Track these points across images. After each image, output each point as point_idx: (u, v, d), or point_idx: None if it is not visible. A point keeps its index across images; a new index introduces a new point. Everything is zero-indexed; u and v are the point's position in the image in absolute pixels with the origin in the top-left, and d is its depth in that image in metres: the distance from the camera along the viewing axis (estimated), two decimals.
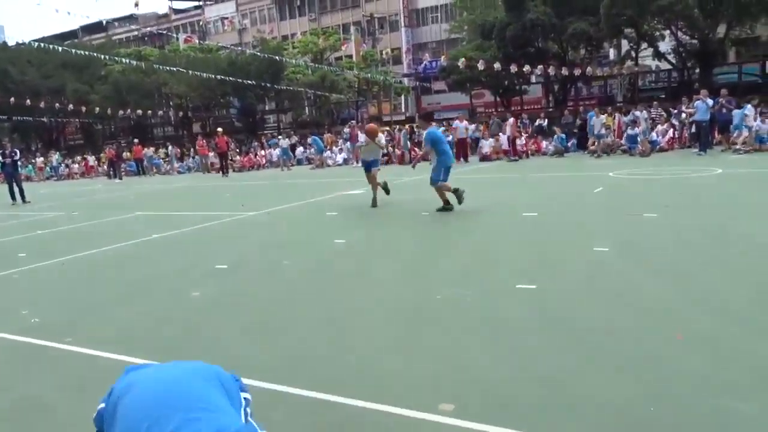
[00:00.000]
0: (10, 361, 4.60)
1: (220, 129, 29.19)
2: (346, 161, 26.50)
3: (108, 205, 15.96)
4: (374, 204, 11.18)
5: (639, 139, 19.18)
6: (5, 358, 4.67)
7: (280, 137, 30.39)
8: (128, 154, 33.67)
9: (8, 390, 3.98)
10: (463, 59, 30.86)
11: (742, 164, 14.39)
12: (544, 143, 22.97)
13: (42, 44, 38.79)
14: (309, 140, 28.13)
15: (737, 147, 17.15)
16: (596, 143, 19.90)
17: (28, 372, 4.34)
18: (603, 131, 20.20)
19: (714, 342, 3.86)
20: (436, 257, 6.87)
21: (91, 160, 37.02)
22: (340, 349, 4.26)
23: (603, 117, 20.80)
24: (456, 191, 9.68)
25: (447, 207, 9.86)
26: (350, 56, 46.71)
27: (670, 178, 12.87)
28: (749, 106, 18.30)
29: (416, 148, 25.33)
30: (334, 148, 28.28)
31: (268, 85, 39.72)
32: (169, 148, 35.33)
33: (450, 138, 20.33)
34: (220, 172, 26.03)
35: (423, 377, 3.67)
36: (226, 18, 61.90)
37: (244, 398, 1.86)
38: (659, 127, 21.11)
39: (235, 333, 4.78)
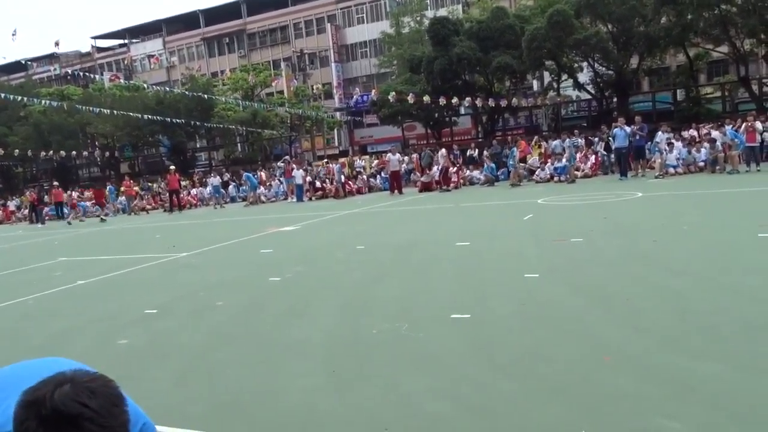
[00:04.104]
0: None
1: (173, 167, 28.70)
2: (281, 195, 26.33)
3: (30, 252, 15.20)
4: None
5: (566, 167, 19.98)
6: None
7: (211, 175, 29.93)
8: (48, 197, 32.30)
9: None
10: (393, 93, 31.43)
11: (660, 188, 15.17)
12: (475, 173, 23.53)
13: None
14: (243, 177, 27.84)
15: (657, 172, 18.07)
16: (512, 174, 20.76)
17: None
18: (512, 162, 21.00)
19: (639, 361, 3.99)
20: (372, 290, 6.86)
21: (12, 204, 35.25)
22: (275, 390, 4.16)
23: (515, 149, 21.52)
24: None
25: None
26: (281, 92, 46.74)
27: (595, 203, 13.40)
28: (659, 132, 19.40)
29: (350, 182, 25.49)
30: (272, 182, 28.06)
31: (198, 123, 39.16)
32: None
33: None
34: (170, 209, 25.83)
35: (360, 413, 3.64)
36: (153, 55, 60.92)
37: None
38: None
39: (166, 381, 4.60)
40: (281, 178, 27.04)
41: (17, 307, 8.01)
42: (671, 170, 18.40)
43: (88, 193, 33.64)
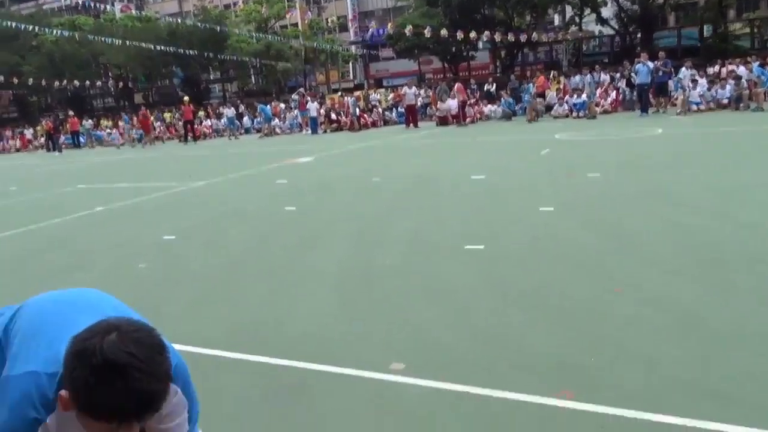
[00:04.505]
0: None
1: (186, 98, 28.43)
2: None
3: (48, 179, 15.37)
4: None
5: (585, 102, 19.61)
6: None
7: (226, 106, 29.75)
8: (64, 126, 32.38)
9: None
10: (410, 26, 30.64)
11: (681, 125, 14.88)
12: (492, 107, 23.17)
13: None
14: (257, 109, 27.65)
15: (678, 109, 17.68)
16: (527, 109, 20.40)
17: None
18: (527, 98, 20.62)
19: (648, 292, 4.03)
20: (386, 222, 6.90)
21: (28, 133, 35.41)
22: (290, 315, 4.26)
23: (530, 85, 21.11)
24: None
25: None
26: (295, 24, 45.69)
27: (613, 140, 13.21)
28: (683, 68, 18.85)
29: (365, 115, 25.24)
30: (287, 114, 27.84)
31: (212, 55, 38.57)
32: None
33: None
34: (185, 139, 25.82)
35: (373, 339, 3.73)
36: None
37: None
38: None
39: (184, 304, 4.73)
40: (296, 110, 26.80)
41: (40, 232, 8.18)
42: (694, 107, 17.97)
43: (105, 122, 33.68)
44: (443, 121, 21.85)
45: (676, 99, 18.44)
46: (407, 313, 4.11)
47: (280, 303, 4.56)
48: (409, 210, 7.47)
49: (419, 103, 24.03)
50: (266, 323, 4.17)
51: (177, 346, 4.08)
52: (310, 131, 24.35)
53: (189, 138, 25.77)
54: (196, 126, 27.48)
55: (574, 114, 20.05)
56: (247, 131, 28.58)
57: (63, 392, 1.26)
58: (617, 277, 4.37)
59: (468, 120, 21.63)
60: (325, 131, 24.38)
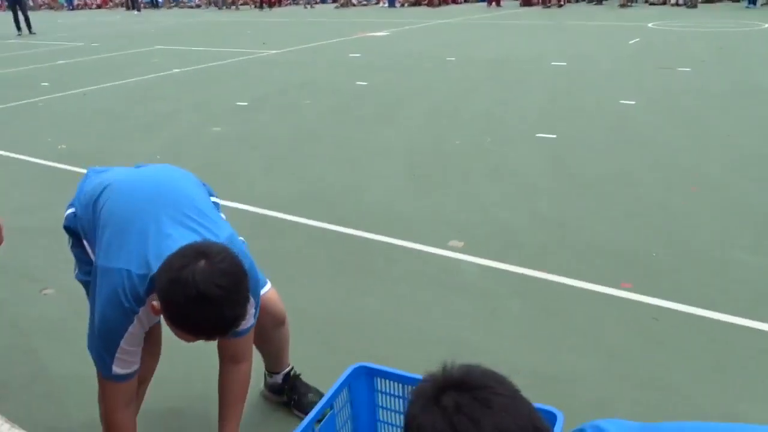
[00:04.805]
0: (44, 185, 4.80)
1: None
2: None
3: (128, 38, 15.64)
4: None
5: None
6: (42, 182, 4.88)
7: None
8: None
9: (47, 208, 4.20)
10: None
11: None
12: None
13: None
14: None
15: None
16: None
17: (64, 194, 4.54)
18: None
19: (727, 195, 3.89)
20: (458, 103, 6.77)
21: None
22: (357, 187, 4.37)
23: None
24: None
25: None
26: None
27: (712, 32, 12.18)
28: None
29: None
30: None
31: None
32: None
33: None
34: (261, 5, 25.40)
35: (436, 216, 3.80)
36: None
37: (215, 203, 1.84)
38: None
39: (255, 168, 4.89)
40: None
41: (123, 88, 8.48)
42: None
43: None
44: (528, 1, 20.58)
45: None
46: (473, 192, 4.14)
47: (349, 173, 4.66)
48: (483, 93, 7.27)
49: None
50: (335, 191, 4.29)
51: (248, 207, 4.28)
52: (387, 3, 23.50)
53: (264, 5, 25.33)
54: None
55: (673, 1, 18.43)
56: (324, 0, 27.79)
57: (155, 302, 1.45)
58: (695, 177, 4.21)
59: (555, 1, 20.27)
60: (403, 5, 23.46)
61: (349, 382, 1.72)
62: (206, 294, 1.34)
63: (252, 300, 1.59)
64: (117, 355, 1.56)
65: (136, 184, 1.72)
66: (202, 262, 1.37)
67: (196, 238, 1.51)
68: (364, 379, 1.74)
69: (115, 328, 1.53)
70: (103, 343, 1.56)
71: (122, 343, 1.55)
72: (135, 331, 1.56)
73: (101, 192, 1.70)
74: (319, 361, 2.35)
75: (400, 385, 1.70)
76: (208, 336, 1.46)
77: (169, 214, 1.59)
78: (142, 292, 1.50)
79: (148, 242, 1.52)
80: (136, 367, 1.63)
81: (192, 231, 1.55)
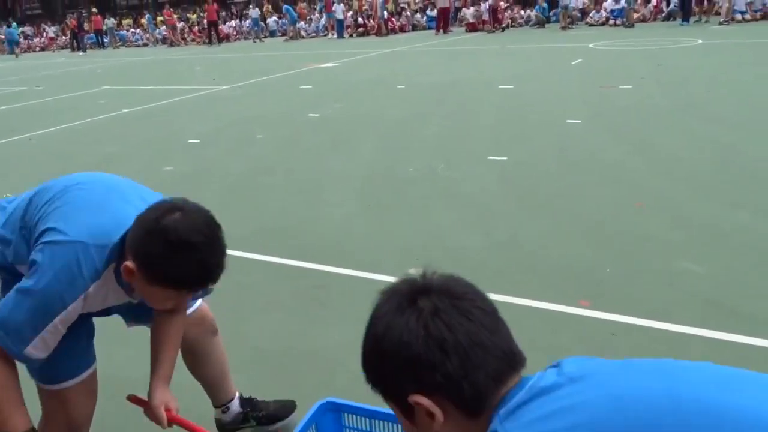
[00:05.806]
0: None
1: None
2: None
3: (73, 80, 15.38)
4: None
5: (623, 9, 18.67)
6: None
7: (251, 7, 28.90)
8: (89, 24, 31.84)
9: None
10: None
11: (723, 35, 14.17)
12: (524, 13, 22.20)
13: None
14: (282, 10, 26.86)
15: (722, 18, 16.77)
16: (561, 15, 19.44)
17: None
18: (568, 2, 19.56)
19: (672, 208, 4.01)
20: (410, 129, 6.85)
21: (51, 31, 35.03)
22: (313, 219, 4.35)
23: None
24: None
25: None
26: None
27: (650, 49, 12.67)
28: None
29: (393, 19, 24.43)
30: (312, 16, 27.05)
31: None
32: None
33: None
34: (209, 41, 25.47)
35: (391, 244, 3.80)
36: None
37: None
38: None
39: (209, 206, 4.78)
40: (322, 12, 25.99)
41: (69, 131, 8.30)
42: (738, 16, 17.01)
43: (126, 21, 33.12)
44: (473, 27, 21.09)
45: (720, 7, 17.45)
46: (427, 217, 4.17)
47: (304, 204, 4.64)
48: (435, 118, 7.37)
49: (453, 6, 22.90)
50: (291, 224, 4.27)
51: None
52: (336, 35, 23.74)
53: (213, 40, 25.34)
54: (220, 27, 26.91)
55: (611, 22, 19.16)
56: (272, 34, 27.93)
57: (129, 263, 1.40)
58: (641, 192, 4.33)
59: (498, 27, 20.83)
60: (351, 35, 23.75)
61: (316, 420, 1.68)
62: (188, 240, 1.34)
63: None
64: (42, 333, 1.44)
65: (76, 177, 1.68)
66: (177, 214, 1.37)
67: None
68: (331, 415, 1.71)
69: (56, 301, 1.43)
70: (32, 317, 1.43)
71: (56, 320, 1.44)
72: (73, 310, 1.46)
73: (32, 195, 1.62)
74: (281, 398, 2.30)
75: (368, 420, 1.68)
76: (189, 287, 1.44)
77: (119, 194, 1.58)
78: (99, 264, 1.44)
79: (104, 215, 1.49)
80: (45, 354, 1.49)
81: (148, 205, 1.48)
